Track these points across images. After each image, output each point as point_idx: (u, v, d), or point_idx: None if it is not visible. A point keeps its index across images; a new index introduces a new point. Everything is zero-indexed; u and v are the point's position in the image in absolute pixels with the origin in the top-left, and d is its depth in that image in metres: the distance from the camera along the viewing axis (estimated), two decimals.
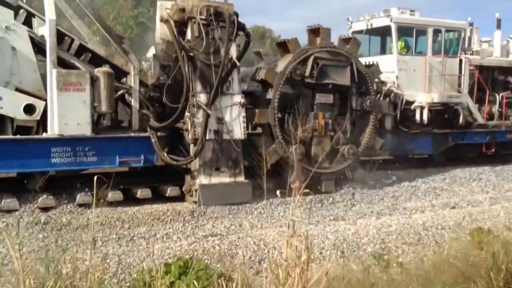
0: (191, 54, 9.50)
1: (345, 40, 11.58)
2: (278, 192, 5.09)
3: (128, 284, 4.84)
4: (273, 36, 32.42)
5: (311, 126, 10.88)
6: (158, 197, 9.60)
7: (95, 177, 4.46)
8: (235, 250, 6.37)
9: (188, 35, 9.64)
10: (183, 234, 7.74)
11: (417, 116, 13.73)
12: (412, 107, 13.73)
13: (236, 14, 10.10)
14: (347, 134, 11.46)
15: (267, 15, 71.82)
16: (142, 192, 9.32)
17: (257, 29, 31.24)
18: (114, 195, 8.81)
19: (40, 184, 8.66)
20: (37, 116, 8.63)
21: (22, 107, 8.47)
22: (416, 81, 13.83)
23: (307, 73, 10.69)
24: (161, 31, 9.95)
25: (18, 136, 8.55)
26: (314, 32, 11.22)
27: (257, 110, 10.45)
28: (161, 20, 9.70)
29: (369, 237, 8.01)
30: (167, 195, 9.54)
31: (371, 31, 14.53)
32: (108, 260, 5.78)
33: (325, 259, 6.62)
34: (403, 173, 12.74)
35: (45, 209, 8.23)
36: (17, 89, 8.57)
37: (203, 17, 9.62)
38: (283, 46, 11.21)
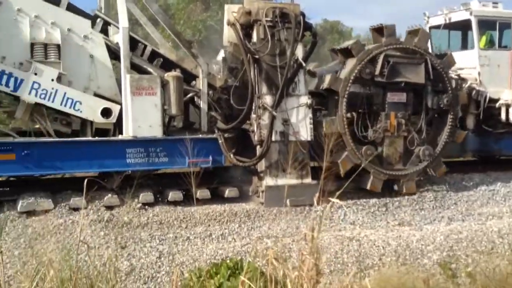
0: (257, 57, 9.61)
1: (413, 32, 11.04)
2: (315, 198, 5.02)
3: (180, 283, 5.04)
4: (345, 30, 31.49)
5: (383, 126, 10.57)
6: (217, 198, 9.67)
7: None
8: (288, 253, 6.36)
9: (254, 37, 9.76)
10: (238, 235, 7.80)
11: (503, 115, 12.84)
12: (497, 105, 12.87)
13: (303, 14, 10.05)
14: (422, 134, 10.98)
15: (349, 13, 70.57)
16: (201, 193, 9.37)
17: (326, 24, 30.56)
18: (174, 195, 9.13)
19: (117, 183, 9.19)
20: (113, 119, 9.11)
21: (100, 111, 8.98)
22: (500, 78, 12.91)
23: (377, 72, 10.39)
24: (229, 34, 10.15)
25: (97, 138, 9.07)
26: (378, 31, 10.82)
27: (324, 120, 10.25)
28: (228, 23, 9.92)
29: (436, 244, 7.60)
30: (225, 196, 9.58)
31: (450, 26, 13.76)
32: (162, 259, 6.04)
33: (385, 266, 6.41)
34: (482, 176, 11.91)
35: (109, 208, 8.53)
36: (95, 94, 9.13)
37: (268, 19, 9.67)
38: (344, 52, 10.74)
